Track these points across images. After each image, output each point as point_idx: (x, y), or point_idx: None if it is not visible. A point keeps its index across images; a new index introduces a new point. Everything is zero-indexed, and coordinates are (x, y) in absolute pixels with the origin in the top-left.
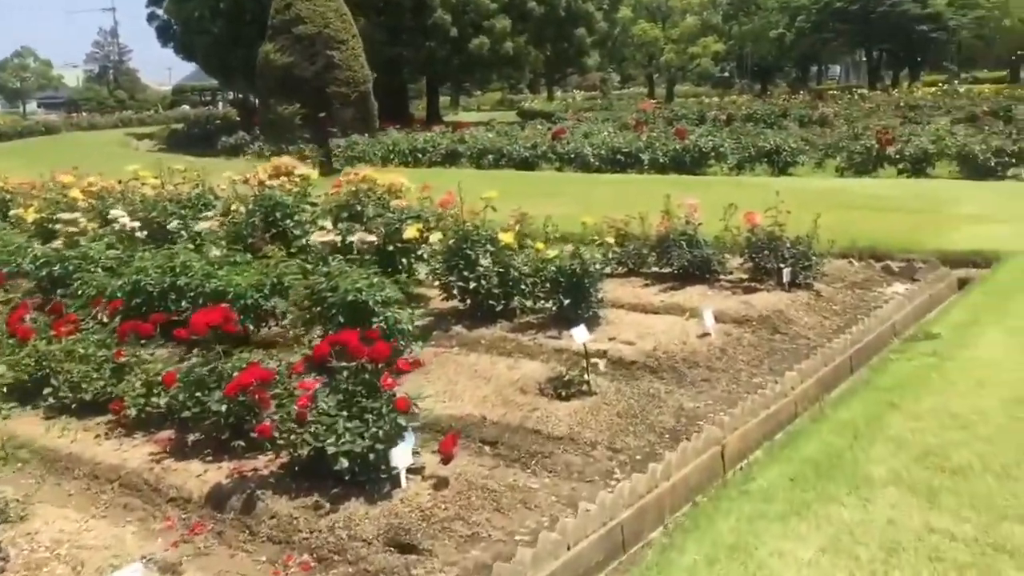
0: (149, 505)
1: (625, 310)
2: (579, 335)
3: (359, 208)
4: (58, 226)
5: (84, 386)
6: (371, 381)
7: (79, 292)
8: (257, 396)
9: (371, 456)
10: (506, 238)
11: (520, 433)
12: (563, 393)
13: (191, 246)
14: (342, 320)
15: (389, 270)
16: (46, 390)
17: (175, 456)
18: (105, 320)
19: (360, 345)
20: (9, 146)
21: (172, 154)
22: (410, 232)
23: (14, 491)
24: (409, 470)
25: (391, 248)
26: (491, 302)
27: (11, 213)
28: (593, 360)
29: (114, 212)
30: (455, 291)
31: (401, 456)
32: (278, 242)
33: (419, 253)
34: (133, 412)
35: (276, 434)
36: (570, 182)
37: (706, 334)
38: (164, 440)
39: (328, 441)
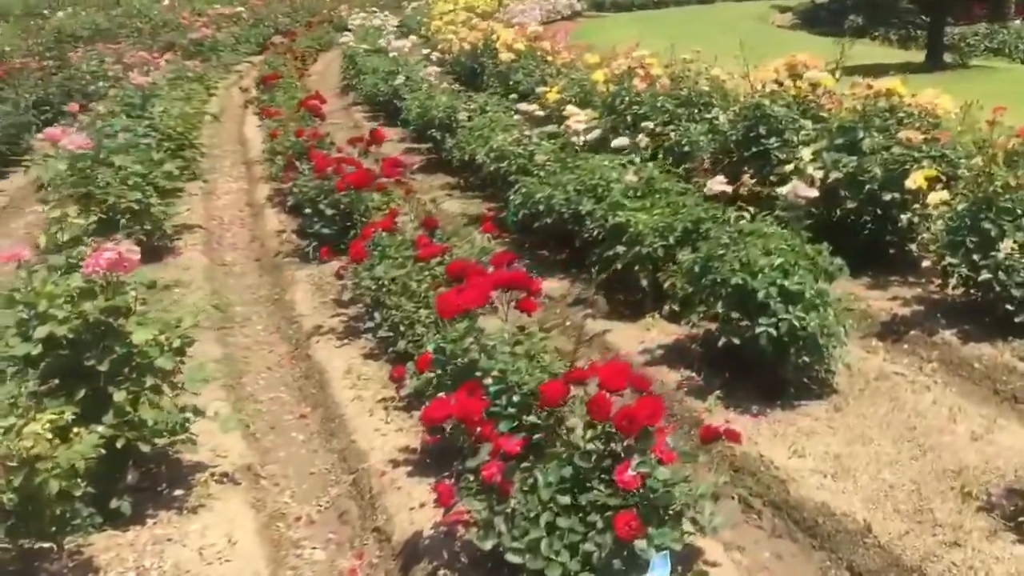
0: (360, 524)
1: None
2: None
3: (861, 136)
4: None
5: (402, 330)
6: (618, 456)
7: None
8: (479, 429)
9: None
10: None
11: None
12: None
13: (634, 162)
14: (721, 308)
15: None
16: (367, 324)
17: (420, 463)
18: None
19: (602, 399)
20: (661, 13)
21: (797, 32)
22: (916, 179)
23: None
24: None
25: (888, 198)
26: (1008, 306)
27: (538, 90)
28: None
29: (569, 108)
30: (953, 278)
31: None
32: (754, 166)
33: (921, 212)
34: (410, 386)
35: (457, 499)
36: None
37: None
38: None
39: (512, 544)
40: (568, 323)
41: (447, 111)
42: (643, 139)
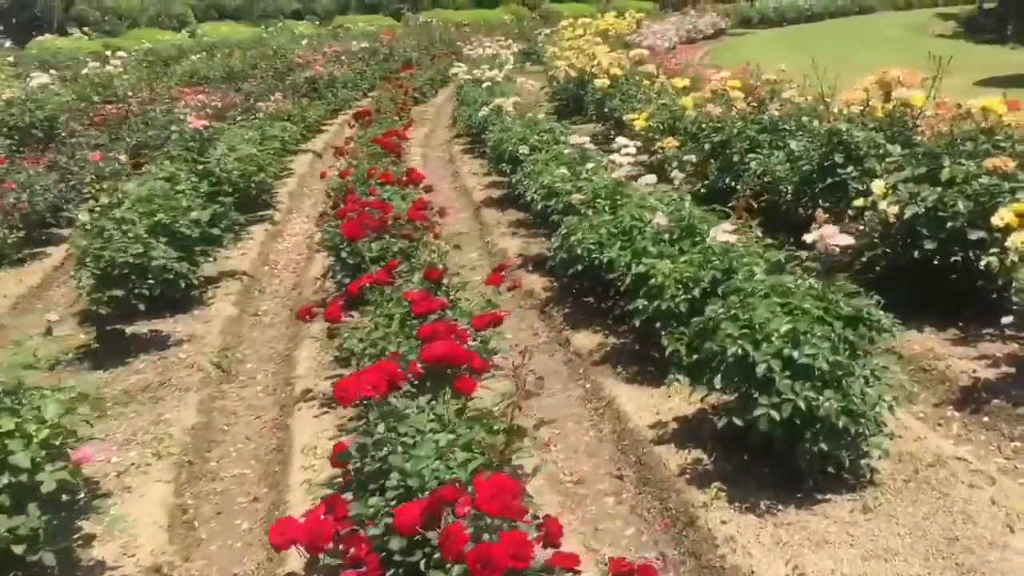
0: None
1: None
2: None
3: (947, 162)
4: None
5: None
6: None
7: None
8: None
9: None
10: None
11: None
12: None
13: (671, 200)
14: (720, 383)
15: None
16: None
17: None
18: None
19: (453, 531)
20: (811, 27)
21: (956, 41)
22: (1003, 215)
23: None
24: None
25: (976, 238)
26: None
27: (625, 118)
28: None
29: (619, 140)
30: None
31: None
32: (829, 200)
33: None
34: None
35: None
36: None
37: None
38: None
39: None
40: (588, 385)
41: (517, 143)
42: (676, 175)
